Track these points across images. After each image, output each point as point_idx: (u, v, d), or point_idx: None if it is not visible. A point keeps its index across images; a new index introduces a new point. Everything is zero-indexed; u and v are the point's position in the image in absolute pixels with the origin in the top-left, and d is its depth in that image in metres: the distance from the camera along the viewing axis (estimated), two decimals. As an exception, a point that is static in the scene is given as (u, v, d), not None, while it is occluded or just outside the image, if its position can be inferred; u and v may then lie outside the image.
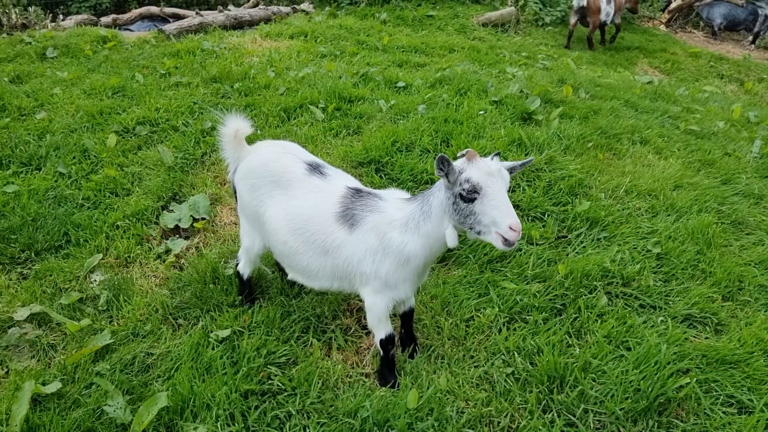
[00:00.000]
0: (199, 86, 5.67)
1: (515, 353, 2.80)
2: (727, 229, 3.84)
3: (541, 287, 3.20)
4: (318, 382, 2.70)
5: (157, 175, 4.16)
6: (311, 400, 2.62)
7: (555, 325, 2.94)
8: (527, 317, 3.01)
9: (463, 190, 2.07)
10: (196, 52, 6.95)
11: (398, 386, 2.69)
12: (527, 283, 3.25)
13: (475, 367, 2.80)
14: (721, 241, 3.64)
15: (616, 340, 2.87)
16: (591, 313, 3.01)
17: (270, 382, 2.69)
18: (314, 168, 2.65)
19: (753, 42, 12.35)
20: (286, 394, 2.66)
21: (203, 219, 3.80)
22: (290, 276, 2.80)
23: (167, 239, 3.67)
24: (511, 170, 2.19)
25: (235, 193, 2.89)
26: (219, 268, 3.35)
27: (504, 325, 3.00)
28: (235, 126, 2.79)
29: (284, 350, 2.86)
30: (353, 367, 2.85)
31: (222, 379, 2.63)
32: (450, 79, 5.88)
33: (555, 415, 2.52)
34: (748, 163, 4.88)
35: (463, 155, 2.13)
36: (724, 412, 2.55)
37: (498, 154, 2.21)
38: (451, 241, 2.22)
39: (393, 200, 2.46)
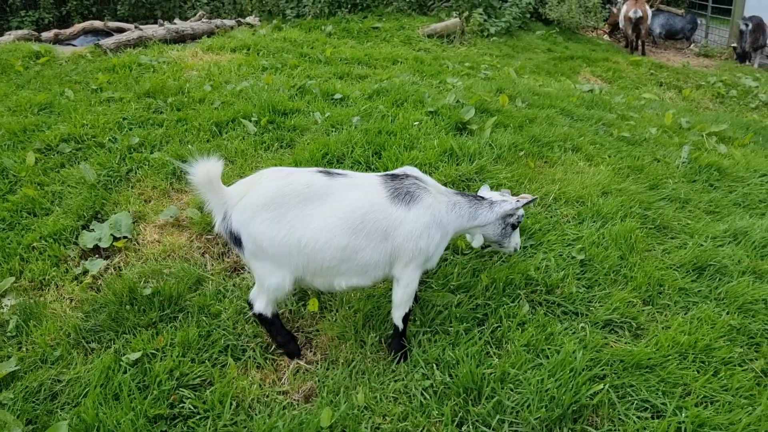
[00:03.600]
0: (131, 101, 5.54)
1: (434, 365, 2.77)
2: (652, 234, 3.89)
3: (464, 297, 3.18)
4: (232, 404, 2.62)
5: (79, 194, 4.03)
6: (224, 422, 2.54)
7: (475, 336, 2.92)
8: (449, 328, 2.99)
9: (517, 221, 2.95)
10: (133, 67, 6.81)
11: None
12: (452, 292, 3.23)
13: (395, 381, 2.76)
14: (644, 246, 3.69)
15: (536, 349, 2.87)
16: (512, 322, 3.00)
17: (181, 405, 2.61)
18: (328, 173, 2.67)
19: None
20: (198, 417, 2.58)
21: (125, 238, 3.68)
22: (338, 288, 2.69)
23: (86, 260, 3.55)
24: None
25: (236, 243, 2.61)
26: (137, 288, 3.24)
27: (425, 336, 2.97)
28: (205, 170, 2.51)
29: (199, 371, 2.78)
30: (271, 386, 2.78)
31: (129, 405, 2.54)
32: (388, 91, 5.88)
33: (470, 427, 2.50)
34: (677, 168, 4.98)
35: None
36: (638, 417, 2.56)
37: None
38: (478, 244, 3.34)
39: (434, 184, 2.80)
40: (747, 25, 11.65)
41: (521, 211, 2.92)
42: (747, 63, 12.09)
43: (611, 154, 5.05)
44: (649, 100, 8.03)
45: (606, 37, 14.19)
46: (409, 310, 2.83)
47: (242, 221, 2.56)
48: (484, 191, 3.06)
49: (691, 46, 13.81)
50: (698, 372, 2.80)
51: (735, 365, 2.88)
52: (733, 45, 12.69)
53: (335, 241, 2.56)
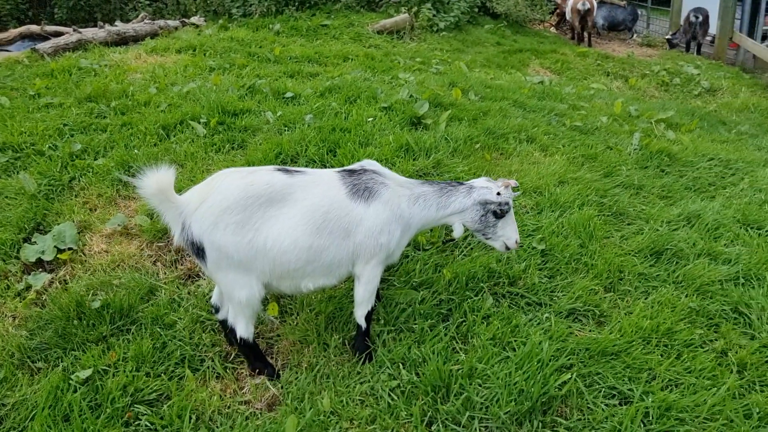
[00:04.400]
0: (71, 107, 5.30)
1: (400, 365, 2.71)
2: (609, 221, 3.92)
3: (427, 293, 3.13)
4: (192, 417, 2.51)
5: (19, 205, 3.81)
6: (184, 437, 2.42)
7: (440, 332, 2.87)
8: (413, 326, 2.93)
9: (500, 210, 2.72)
10: (73, 71, 6.53)
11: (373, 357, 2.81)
12: (415, 289, 3.17)
13: (360, 383, 2.68)
14: (603, 233, 3.71)
15: (502, 342, 2.84)
16: (477, 316, 2.96)
17: (137, 422, 2.48)
18: (287, 170, 2.57)
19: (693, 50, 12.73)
20: (155, 434, 2.45)
21: (70, 249, 3.50)
22: (305, 290, 2.60)
23: (29, 274, 3.35)
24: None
25: (199, 254, 2.46)
26: (85, 302, 3.07)
27: (389, 335, 2.90)
28: (155, 180, 2.35)
29: (155, 386, 2.64)
30: (232, 396, 2.67)
31: (81, 426, 2.39)
32: (340, 88, 5.79)
33: (440, 426, 2.44)
34: (629, 155, 5.05)
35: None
36: (606, 405, 2.55)
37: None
38: (458, 233, 2.79)
39: (394, 178, 2.72)
40: (697, 18, 12.00)
41: (504, 198, 2.70)
42: (691, 51, 12.48)
43: (565, 143, 5.08)
44: (598, 89, 8.16)
45: (553, 29, 14.41)
46: (372, 309, 2.76)
47: (204, 229, 2.41)
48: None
49: (633, 36, 14.15)
50: (662, 356, 2.82)
51: (697, 347, 2.91)
52: (666, 37, 13.07)
53: (300, 242, 2.48)
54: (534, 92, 6.78)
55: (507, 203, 2.72)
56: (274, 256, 2.48)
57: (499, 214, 2.74)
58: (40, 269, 3.42)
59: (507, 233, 2.80)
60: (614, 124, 5.91)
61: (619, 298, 3.23)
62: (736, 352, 2.91)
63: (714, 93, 9.57)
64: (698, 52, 12.54)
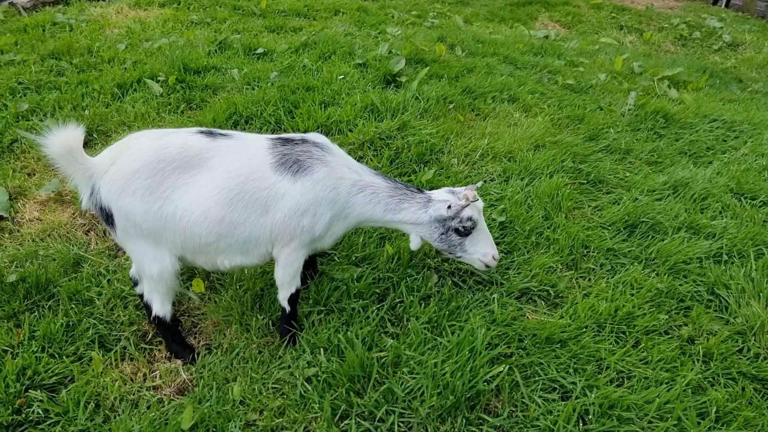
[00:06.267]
0: (32, 64, 5.05)
1: (322, 350, 2.47)
2: (585, 190, 3.59)
3: (366, 270, 2.86)
4: (90, 404, 2.31)
5: (-47, 170, 3.62)
6: (78, 427, 2.23)
7: (372, 314, 2.62)
8: (345, 306, 2.68)
9: (463, 227, 2.39)
10: (46, 27, 6.26)
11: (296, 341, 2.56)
12: (355, 265, 2.91)
13: (279, 369, 2.45)
14: (572, 204, 3.39)
15: (440, 326, 2.57)
16: (415, 296, 2.70)
17: (29, 410, 2.29)
18: (210, 133, 2.31)
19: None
20: (49, 422, 2.26)
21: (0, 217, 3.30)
22: (222, 267, 2.39)
23: (-46, 244, 3.17)
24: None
25: (108, 220, 2.27)
26: (3, 274, 2.88)
27: (319, 316, 2.66)
28: (63, 139, 2.13)
29: (57, 369, 2.45)
30: (141, 381, 2.47)
31: (-37, 414, 2.21)
32: (316, 43, 5.44)
33: (353, 420, 2.20)
34: (622, 116, 4.65)
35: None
36: (544, 399, 2.29)
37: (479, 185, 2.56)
38: (414, 246, 2.56)
39: (342, 157, 2.42)
40: None
41: (468, 212, 2.35)
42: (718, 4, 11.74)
43: (552, 103, 4.70)
44: (606, 44, 7.64)
45: (570, -20, 13.64)
46: (297, 291, 2.51)
47: (112, 193, 2.19)
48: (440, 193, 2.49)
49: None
50: (617, 344, 2.53)
51: (659, 334, 2.61)
52: None
53: (211, 214, 2.23)
54: (530, 47, 6.33)
55: (470, 218, 2.37)
56: (184, 228, 2.24)
57: (463, 232, 2.41)
58: (-33, 238, 3.23)
59: (480, 249, 2.46)
60: (612, 82, 5.48)
61: (580, 277, 2.93)
62: (707, 340, 2.61)
63: (735, 48, 8.94)
64: (727, 5, 11.77)
